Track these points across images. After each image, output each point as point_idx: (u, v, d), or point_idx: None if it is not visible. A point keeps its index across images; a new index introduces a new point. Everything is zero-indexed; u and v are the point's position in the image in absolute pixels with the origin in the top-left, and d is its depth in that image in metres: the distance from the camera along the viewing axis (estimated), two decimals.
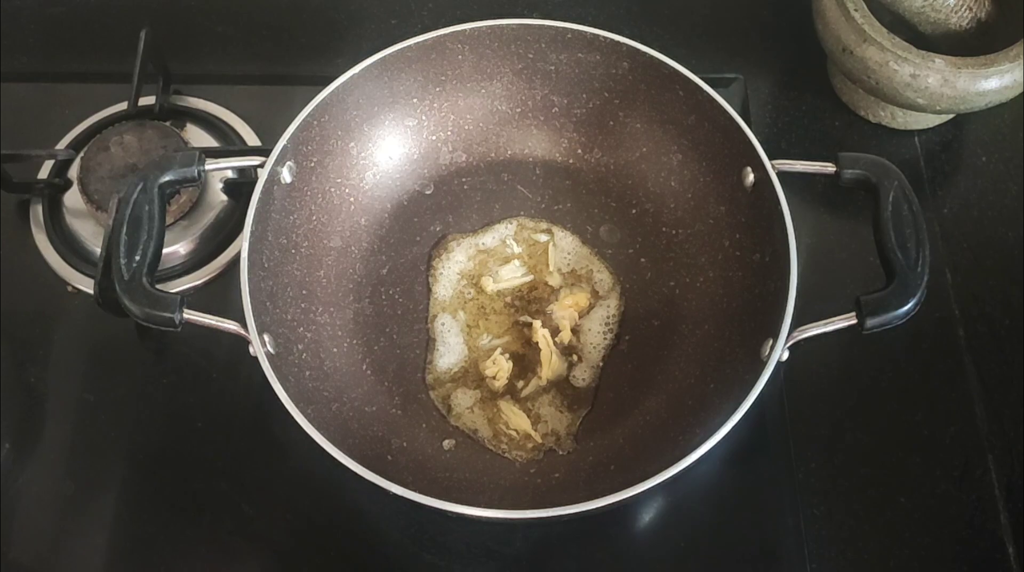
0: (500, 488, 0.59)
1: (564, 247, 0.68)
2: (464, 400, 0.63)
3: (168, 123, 0.73)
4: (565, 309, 0.65)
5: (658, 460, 0.51)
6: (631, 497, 0.50)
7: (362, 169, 0.69)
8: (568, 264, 0.68)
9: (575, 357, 0.64)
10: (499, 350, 0.64)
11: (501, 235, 0.69)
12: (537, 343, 0.64)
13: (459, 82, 0.69)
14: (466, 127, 0.71)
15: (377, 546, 0.61)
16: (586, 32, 0.65)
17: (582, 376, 0.64)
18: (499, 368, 0.63)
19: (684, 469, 0.50)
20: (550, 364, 0.63)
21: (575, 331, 0.65)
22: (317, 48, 0.81)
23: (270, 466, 0.62)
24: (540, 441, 0.61)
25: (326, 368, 0.62)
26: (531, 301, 0.66)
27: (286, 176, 0.62)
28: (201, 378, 0.66)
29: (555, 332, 0.65)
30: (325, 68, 0.64)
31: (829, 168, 0.58)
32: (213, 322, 0.55)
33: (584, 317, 0.66)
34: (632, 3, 0.83)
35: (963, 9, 0.74)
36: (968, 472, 0.63)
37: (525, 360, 0.64)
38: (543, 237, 0.69)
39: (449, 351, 0.65)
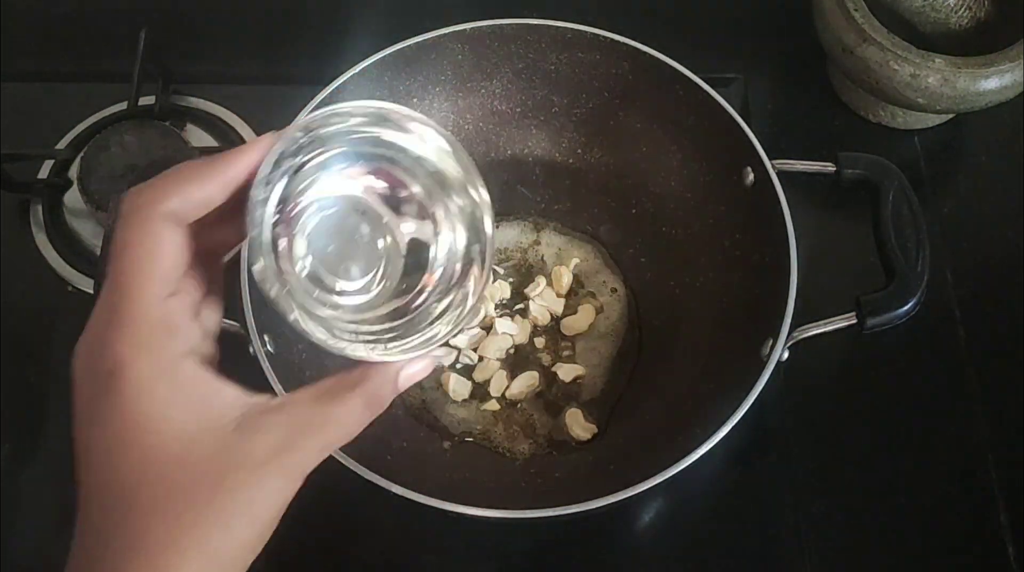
0: (500, 488, 0.59)
1: (561, 246, 0.69)
2: (463, 400, 0.63)
3: (168, 123, 0.73)
4: (575, 329, 0.65)
5: (658, 460, 0.51)
6: (631, 497, 0.50)
7: None
8: (566, 263, 0.68)
9: (575, 361, 0.65)
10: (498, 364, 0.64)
11: (500, 238, 0.69)
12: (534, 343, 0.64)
13: (459, 82, 0.68)
14: (466, 127, 0.70)
15: (377, 546, 0.61)
16: (586, 32, 0.65)
17: (581, 377, 0.64)
18: (500, 383, 0.63)
19: (684, 469, 0.50)
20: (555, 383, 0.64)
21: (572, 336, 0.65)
22: (317, 48, 0.81)
23: None
24: (540, 441, 0.61)
25: (326, 368, 0.61)
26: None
27: None
28: None
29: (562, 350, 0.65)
30: (325, 68, 0.64)
31: (829, 168, 0.58)
32: None
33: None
34: (632, 3, 0.83)
35: (963, 9, 0.74)
36: (968, 472, 0.63)
37: (521, 356, 0.64)
38: (541, 246, 0.69)
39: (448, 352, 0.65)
